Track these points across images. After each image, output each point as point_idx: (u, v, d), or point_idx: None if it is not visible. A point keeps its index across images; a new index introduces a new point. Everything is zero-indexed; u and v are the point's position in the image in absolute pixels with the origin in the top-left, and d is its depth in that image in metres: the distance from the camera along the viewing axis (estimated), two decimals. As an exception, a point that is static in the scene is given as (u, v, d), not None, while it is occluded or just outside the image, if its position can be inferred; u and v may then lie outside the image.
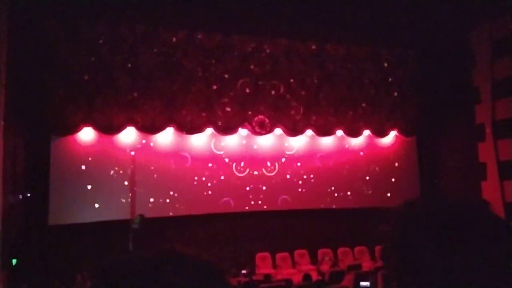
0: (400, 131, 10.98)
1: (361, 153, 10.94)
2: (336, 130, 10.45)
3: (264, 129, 9.79)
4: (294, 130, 10.06)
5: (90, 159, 8.86)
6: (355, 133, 10.61)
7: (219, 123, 9.48)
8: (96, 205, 8.82)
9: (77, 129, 8.63)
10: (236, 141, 10.04)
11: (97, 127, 8.79)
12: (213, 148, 9.85)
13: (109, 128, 8.85)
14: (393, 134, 11.09)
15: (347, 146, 10.88)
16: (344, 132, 10.53)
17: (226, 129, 9.60)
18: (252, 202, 10.02)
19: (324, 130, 10.33)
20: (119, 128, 8.91)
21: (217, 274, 0.70)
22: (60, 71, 8.41)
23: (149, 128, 9.11)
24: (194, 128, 9.37)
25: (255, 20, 9.04)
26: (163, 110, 9.06)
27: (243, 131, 9.94)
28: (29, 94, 8.07)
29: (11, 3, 7.12)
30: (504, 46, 9.30)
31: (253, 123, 9.70)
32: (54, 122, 8.39)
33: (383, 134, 10.91)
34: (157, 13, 8.60)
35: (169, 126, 9.24)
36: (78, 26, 8.59)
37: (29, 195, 8.14)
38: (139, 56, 8.98)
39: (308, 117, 10.07)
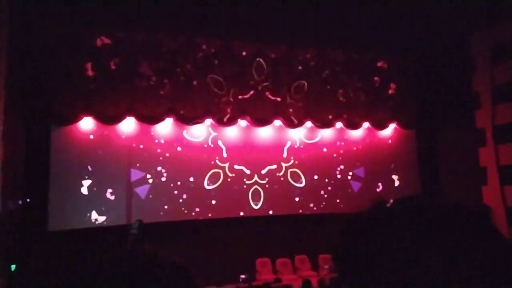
0: (400, 125, 11.07)
1: (358, 147, 11.01)
2: (335, 123, 10.55)
3: (263, 123, 10.02)
4: (293, 122, 10.14)
5: (89, 159, 8.87)
6: (355, 126, 10.72)
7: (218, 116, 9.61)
8: (95, 212, 8.81)
9: (76, 119, 8.69)
10: (236, 141, 10.07)
11: (96, 117, 8.85)
12: (210, 144, 9.88)
13: (108, 118, 8.91)
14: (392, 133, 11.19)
15: (345, 142, 10.97)
16: (344, 125, 10.63)
17: (227, 120, 9.70)
18: (254, 207, 10.00)
19: (323, 122, 10.41)
20: (119, 118, 8.97)
21: (187, 277, 0.71)
22: (60, 72, 8.44)
23: (149, 118, 9.17)
24: (194, 118, 9.42)
25: (255, 26, 9.07)
26: (163, 104, 9.15)
27: (242, 122, 10.00)
28: (29, 90, 8.13)
29: (12, 6, 7.18)
30: (504, 51, 9.30)
31: (253, 120, 9.89)
32: (54, 112, 8.43)
33: (382, 127, 11.02)
34: (157, 19, 8.63)
35: (168, 116, 9.32)
36: (78, 31, 8.63)
37: (28, 200, 8.12)
38: (138, 61, 9.02)
39: (308, 112, 10.18)
